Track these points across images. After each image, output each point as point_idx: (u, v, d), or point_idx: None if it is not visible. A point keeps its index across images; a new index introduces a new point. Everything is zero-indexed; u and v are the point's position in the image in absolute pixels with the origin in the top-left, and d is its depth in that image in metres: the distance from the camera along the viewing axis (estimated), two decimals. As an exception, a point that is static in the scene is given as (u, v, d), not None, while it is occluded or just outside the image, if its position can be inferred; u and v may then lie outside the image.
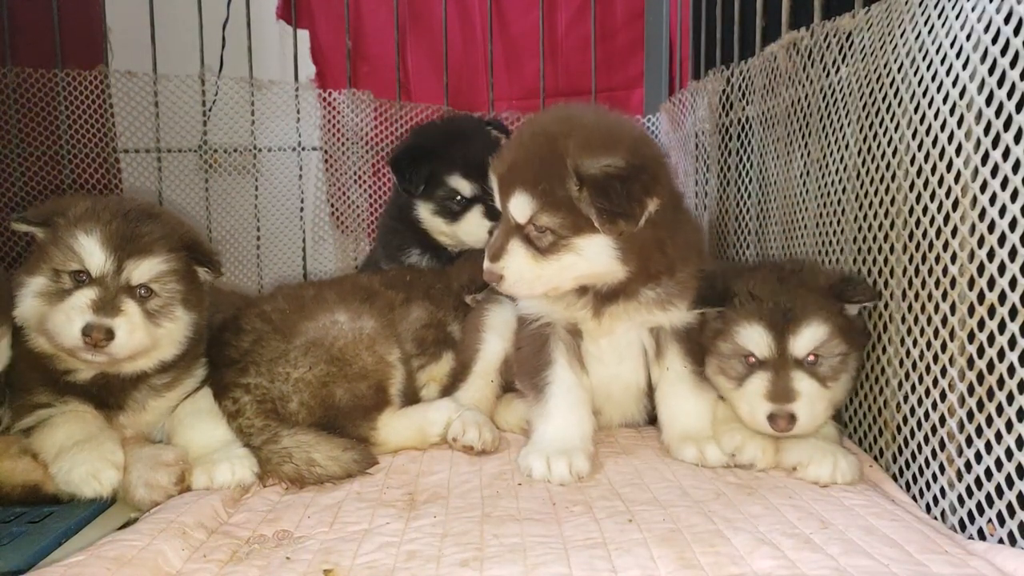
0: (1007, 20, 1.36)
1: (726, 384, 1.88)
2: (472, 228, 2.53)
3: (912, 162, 1.66)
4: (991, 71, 1.39)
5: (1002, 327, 1.37)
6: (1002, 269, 1.36)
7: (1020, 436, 1.32)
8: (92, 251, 1.77)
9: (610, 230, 1.75)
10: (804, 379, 1.77)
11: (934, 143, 1.57)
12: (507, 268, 1.82)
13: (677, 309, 1.94)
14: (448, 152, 2.58)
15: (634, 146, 1.82)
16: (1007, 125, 1.35)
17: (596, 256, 1.80)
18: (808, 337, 1.77)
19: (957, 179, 1.50)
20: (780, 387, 1.76)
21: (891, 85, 1.75)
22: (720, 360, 1.89)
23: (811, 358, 1.78)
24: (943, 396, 1.55)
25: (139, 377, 1.89)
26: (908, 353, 1.69)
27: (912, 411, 1.67)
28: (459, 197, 2.56)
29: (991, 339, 1.40)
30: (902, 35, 1.72)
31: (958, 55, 1.50)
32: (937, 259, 1.57)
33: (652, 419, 2.14)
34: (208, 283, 2.01)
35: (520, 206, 1.79)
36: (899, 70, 1.72)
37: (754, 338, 1.80)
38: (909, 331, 1.69)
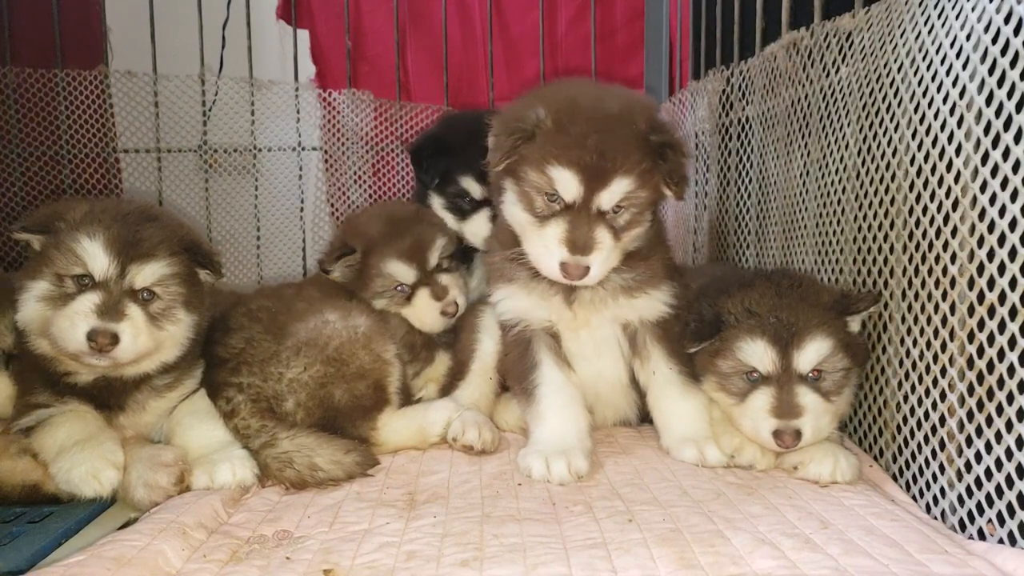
0: (1007, 20, 1.36)
1: (727, 400, 1.86)
2: (477, 229, 2.52)
3: (912, 162, 1.66)
4: (991, 71, 1.39)
5: (1002, 327, 1.37)
6: (1002, 269, 1.36)
7: (1020, 436, 1.32)
8: (95, 255, 1.77)
9: (683, 193, 1.86)
10: (808, 394, 1.74)
11: (934, 143, 1.57)
12: (595, 260, 1.77)
13: (647, 296, 1.95)
14: (467, 151, 2.54)
15: (659, 109, 1.91)
16: (1007, 125, 1.35)
17: (647, 221, 1.88)
18: (813, 352, 1.75)
19: (957, 179, 1.50)
20: (785, 403, 1.73)
21: (891, 85, 1.75)
22: (719, 378, 1.86)
23: (814, 373, 1.76)
24: (943, 396, 1.55)
25: (141, 378, 1.90)
26: (908, 353, 1.69)
27: (912, 411, 1.67)
28: (469, 198, 2.55)
29: (991, 339, 1.40)
30: (902, 35, 1.72)
31: (958, 55, 1.50)
32: (937, 259, 1.57)
33: (646, 417, 2.14)
34: (209, 284, 2.02)
35: (616, 193, 1.77)
36: (899, 70, 1.72)
37: (757, 353, 1.77)
38: (909, 331, 1.69)
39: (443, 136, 2.67)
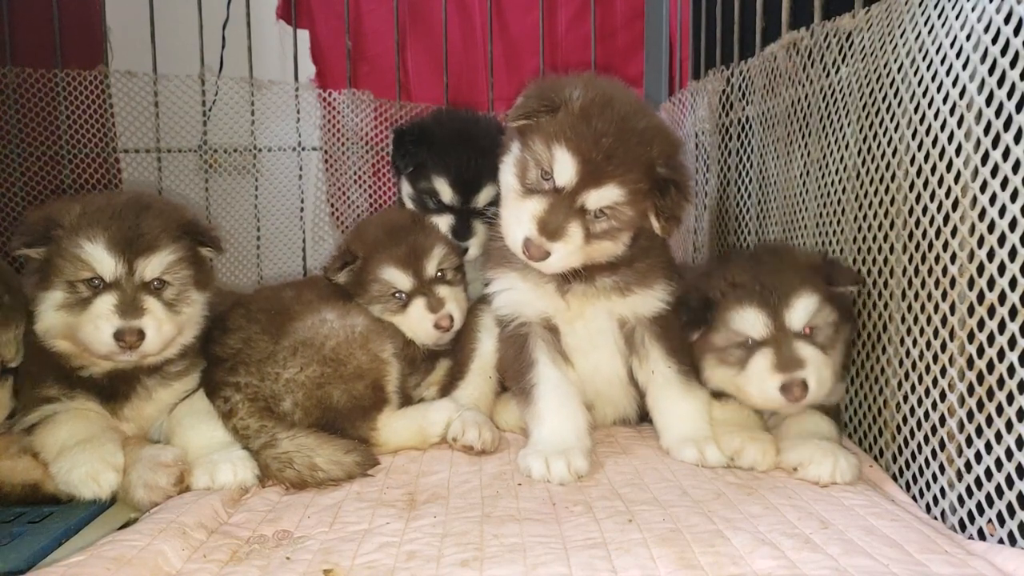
0: (1007, 20, 1.36)
1: (729, 372, 1.88)
2: (440, 229, 2.49)
3: (912, 162, 1.66)
4: (991, 71, 1.39)
5: (1002, 327, 1.37)
6: (1002, 269, 1.36)
7: (1020, 436, 1.32)
8: (100, 257, 1.79)
9: (671, 232, 1.88)
10: (806, 347, 1.78)
11: (934, 143, 1.57)
12: (559, 250, 1.78)
13: (638, 295, 1.97)
14: (450, 151, 2.52)
15: (682, 150, 1.90)
16: (1007, 125, 1.35)
17: (623, 244, 1.88)
18: (802, 308, 1.79)
19: (957, 179, 1.50)
20: (786, 357, 1.76)
21: (891, 85, 1.75)
22: (717, 353, 1.89)
23: (807, 330, 1.80)
24: (943, 396, 1.55)
25: (154, 366, 1.92)
26: (908, 353, 1.69)
27: (912, 411, 1.67)
28: (437, 198, 2.53)
29: (991, 339, 1.40)
30: (902, 35, 1.72)
31: (958, 55, 1.50)
32: (937, 259, 1.57)
33: (646, 416, 2.14)
34: (211, 259, 2.04)
35: (604, 197, 1.78)
36: (899, 70, 1.72)
37: (749, 320, 1.81)
38: (909, 331, 1.69)
39: (433, 129, 2.63)
